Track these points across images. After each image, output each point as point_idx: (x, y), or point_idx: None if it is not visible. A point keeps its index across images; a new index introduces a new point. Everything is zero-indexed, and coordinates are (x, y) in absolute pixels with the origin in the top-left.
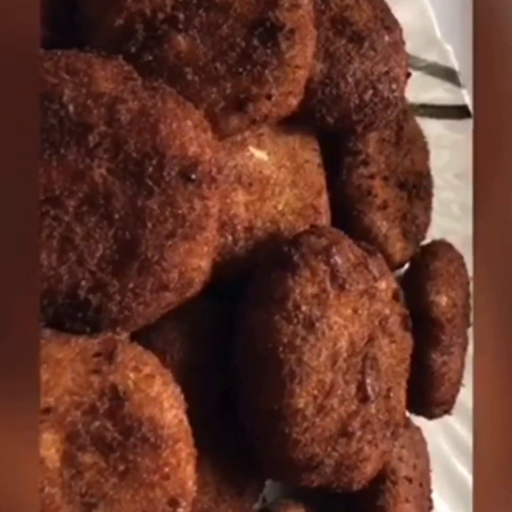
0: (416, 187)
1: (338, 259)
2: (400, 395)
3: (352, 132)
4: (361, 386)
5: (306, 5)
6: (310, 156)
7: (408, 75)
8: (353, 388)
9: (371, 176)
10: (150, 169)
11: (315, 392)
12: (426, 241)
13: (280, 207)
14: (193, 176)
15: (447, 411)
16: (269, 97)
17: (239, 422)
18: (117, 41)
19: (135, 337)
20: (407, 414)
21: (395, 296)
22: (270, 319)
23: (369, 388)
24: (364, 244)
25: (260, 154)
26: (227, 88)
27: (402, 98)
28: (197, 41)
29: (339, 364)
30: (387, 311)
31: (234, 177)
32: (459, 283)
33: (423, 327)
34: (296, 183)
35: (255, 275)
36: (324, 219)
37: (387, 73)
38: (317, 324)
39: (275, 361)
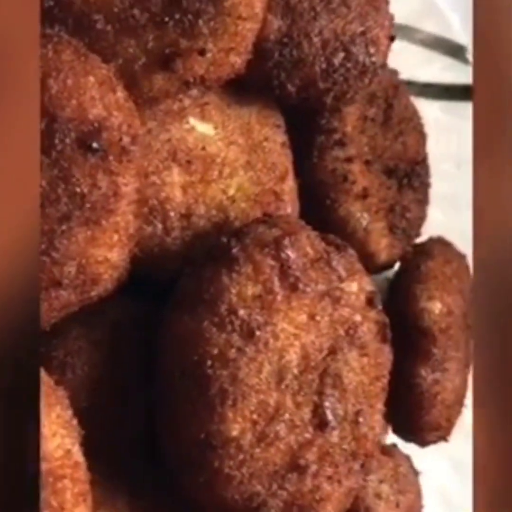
0: (408, 176)
1: (290, 253)
2: (373, 420)
3: (320, 104)
4: (318, 409)
5: None
6: (271, 133)
7: (392, 38)
8: (307, 412)
9: (349, 159)
10: None
11: (255, 416)
12: (423, 238)
13: (230, 192)
14: (95, 145)
15: (443, 437)
16: (202, 52)
17: (162, 454)
18: None
19: None
20: (396, 440)
21: (369, 301)
22: (198, 326)
23: (328, 412)
24: (332, 237)
25: (203, 128)
26: (149, 41)
27: (384, 66)
28: None
29: (287, 382)
30: (357, 318)
31: (167, 152)
32: (458, 288)
33: (412, 338)
34: (252, 164)
35: (184, 271)
36: (289, 209)
37: (363, 33)
38: (258, 333)
39: (203, 378)
